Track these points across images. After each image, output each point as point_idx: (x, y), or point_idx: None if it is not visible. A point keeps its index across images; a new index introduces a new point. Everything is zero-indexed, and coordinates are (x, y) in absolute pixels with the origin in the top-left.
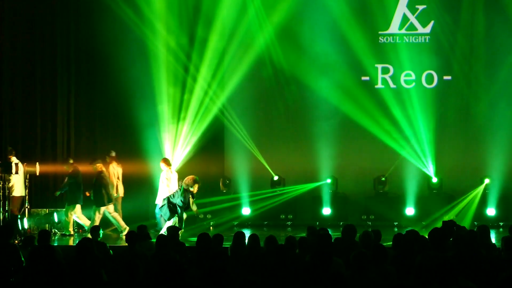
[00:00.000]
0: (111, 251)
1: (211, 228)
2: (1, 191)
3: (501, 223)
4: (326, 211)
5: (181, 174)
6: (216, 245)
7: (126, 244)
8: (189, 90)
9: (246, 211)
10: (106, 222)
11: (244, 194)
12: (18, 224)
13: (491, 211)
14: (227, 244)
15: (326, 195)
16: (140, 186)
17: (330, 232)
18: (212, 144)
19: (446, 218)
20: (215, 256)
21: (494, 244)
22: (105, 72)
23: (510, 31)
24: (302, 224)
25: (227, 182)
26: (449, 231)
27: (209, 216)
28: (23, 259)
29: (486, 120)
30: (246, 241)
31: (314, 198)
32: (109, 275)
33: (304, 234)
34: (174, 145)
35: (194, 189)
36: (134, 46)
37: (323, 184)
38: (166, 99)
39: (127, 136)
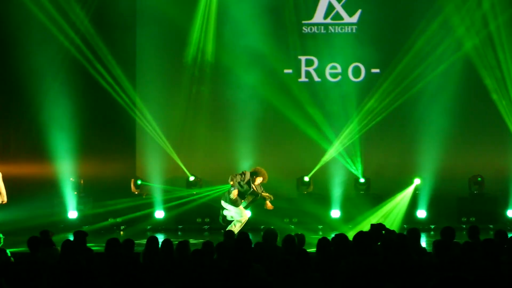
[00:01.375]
0: (12, 257)
1: (121, 232)
2: None
3: (432, 226)
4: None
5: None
6: (126, 251)
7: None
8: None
9: (159, 214)
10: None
11: (158, 196)
12: None
13: (421, 213)
14: (138, 249)
15: None
16: (41, 188)
17: (250, 237)
18: (122, 142)
19: (374, 220)
20: (126, 263)
21: (424, 248)
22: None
23: (441, 22)
24: (220, 228)
25: (139, 183)
26: (377, 235)
27: (119, 219)
28: None
29: (417, 117)
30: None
31: None
32: (10, 284)
33: (222, 239)
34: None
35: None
36: (37, 34)
37: None
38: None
39: (30, 133)
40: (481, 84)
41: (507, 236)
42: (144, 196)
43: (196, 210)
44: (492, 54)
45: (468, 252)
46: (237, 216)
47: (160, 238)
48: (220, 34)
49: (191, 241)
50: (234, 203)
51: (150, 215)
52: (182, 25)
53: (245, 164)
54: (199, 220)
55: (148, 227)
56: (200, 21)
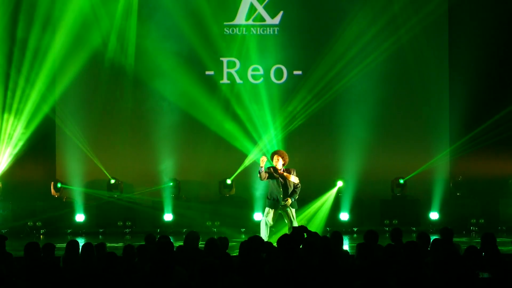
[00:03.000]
0: None
1: (41, 236)
2: None
3: (355, 229)
4: (168, 217)
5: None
6: (46, 256)
7: None
8: (13, 86)
9: (80, 217)
10: None
11: (78, 199)
12: None
13: (344, 216)
14: (59, 253)
15: (167, 200)
16: None
17: (172, 240)
18: (41, 144)
19: (297, 223)
20: (46, 268)
21: (347, 251)
22: None
23: (362, 24)
24: (142, 232)
25: (59, 186)
26: (300, 238)
27: (39, 223)
28: None
29: (340, 118)
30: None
31: (155, 203)
32: None
33: (143, 242)
34: None
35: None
36: None
37: (164, 187)
38: None
39: None
40: (402, 86)
41: (429, 238)
42: (64, 199)
43: (117, 213)
44: (413, 56)
45: (391, 255)
46: None
47: (81, 242)
48: (141, 35)
49: (108, 244)
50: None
51: (71, 218)
52: (103, 26)
53: (166, 167)
54: (120, 223)
55: (69, 230)
56: (118, 23)
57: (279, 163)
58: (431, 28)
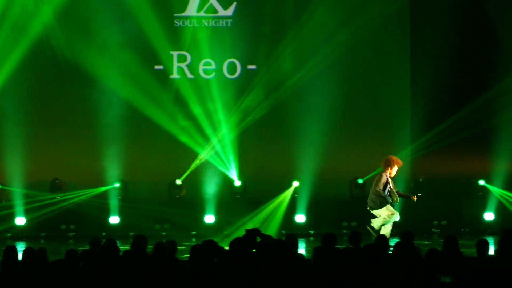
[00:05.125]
0: None
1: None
2: None
3: (311, 231)
4: (114, 219)
5: None
6: None
7: None
8: None
9: (20, 221)
10: None
11: (18, 201)
12: None
13: (300, 218)
14: None
15: (114, 202)
16: None
17: (118, 244)
18: None
19: (250, 226)
20: None
21: (303, 255)
22: None
23: (319, 16)
24: (87, 235)
25: None
26: (252, 241)
27: None
28: None
29: (296, 116)
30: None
31: (100, 205)
32: None
33: (88, 247)
34: None
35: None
36: None
37: (110, 189)
38: None
39: None
40: (362, 84)
41: (388, 241)
42: (3, 202)
43: (60, 216)
44: (373, 50)
45: (349, 259)
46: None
47: (22, 246)
48: (85, 27)
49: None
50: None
51: (10, 222)
52: (45, 16)
53: (113, 167)
54: (63, 227)
55: (8, 234)
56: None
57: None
58: (391, 21)
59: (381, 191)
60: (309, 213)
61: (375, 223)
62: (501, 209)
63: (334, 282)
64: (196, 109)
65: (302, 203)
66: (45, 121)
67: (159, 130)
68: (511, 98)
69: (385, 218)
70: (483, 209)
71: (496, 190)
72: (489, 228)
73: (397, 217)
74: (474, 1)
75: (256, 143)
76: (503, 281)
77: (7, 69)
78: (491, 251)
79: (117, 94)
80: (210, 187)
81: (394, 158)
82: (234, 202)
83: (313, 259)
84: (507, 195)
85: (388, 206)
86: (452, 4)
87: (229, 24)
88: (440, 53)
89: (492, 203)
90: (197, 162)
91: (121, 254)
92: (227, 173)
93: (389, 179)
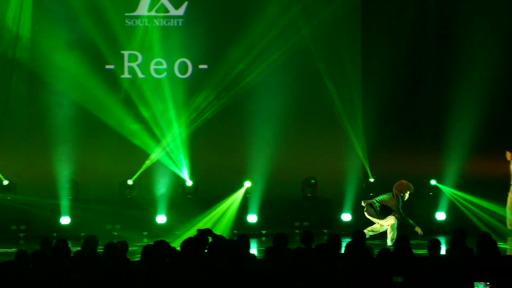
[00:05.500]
0: None
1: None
2: None
3: (263, 231)
4: (65, 220)
5: None
6: None
7: None
8: None
9: None
10: None
11: None
12: None
13: (252, 218)
14: None
15: (65, 202)
16: None
17: (69, 245)
18: None
19: (202, 225)
20: None
21: (254, 255)
22: None
23: (271, 16)
24: (38, 236)
25: None
26: (204, 241)
27: None
28: None
29: (248, 115)
30: None
31: (51, 206)
32: None
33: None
34: None
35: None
36: None
37: (61, 189)
38: None
39: None
40: (313, 84)
41: (340, 241)
42: None
43: (10, 216)
44: (324, 50)
45: (301, 259)
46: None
47: None
48: (35, 28)
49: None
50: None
51: None
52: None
53: (63, 168)
54: (13, 227)
55: None
56: (12, 13)
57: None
58: (343, 22)
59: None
60: (261, 213)
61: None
62: (452, 209)
63: (286, 282)
64: (148, 109)
65: (254, 203)
66: (6, 120)
67: (111, 130)
68: (461, 99)
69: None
70: (434, 208)
71: (447, 190)
72: (441, 227)
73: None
74: (425, 4)
75: (208, 143)
76: (455, 280)
77: None
78: (443, 250)
79: (67, 94)
80: (162, 187)
81: (406, 182)
82: (185, 202)
83: (265, 259)
84: (458, 195)
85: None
86: (403, 7)
87: (180, 24)
88: (392, 53)
89: (443, 203)
90: (148, 162)
91: (72, 254)
92: (179, 173)
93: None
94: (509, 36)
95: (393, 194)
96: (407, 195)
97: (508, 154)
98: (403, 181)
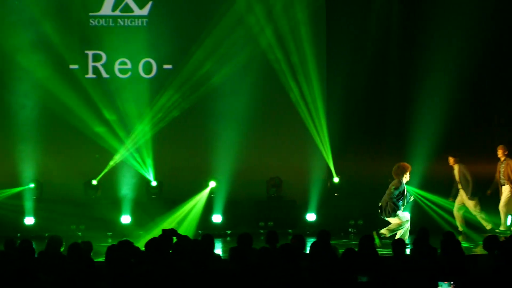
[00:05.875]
0: None
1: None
2: None
3: (228, 231)
4: (29, 220)
5: None
6: None
7: None
8: None
9: None
10: None
11: None
12: None
13: (217, 218)
14: None
15: (29, 202)
16: None
17: (34, 245)
18: None
19: (167, 226)
20: None
21: (219, 255)
22: None
23: (236, 16)
24: (1, 236)
25: None
26: (169, 241)
27: None
28: None
29: (212, 115)
30: None
31: (16, 206)
32: None
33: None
34: None
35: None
36: None
37: (25, 189)
38: None
39: None
40: (278, 84)
41: (304, 240)
42: None
43: None
44: (288, 52)
45: (266, 259)
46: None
47: None
48: (0, 26)
49: None
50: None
51: None
52: None
53: (27, 168)
54: None
55: None
56: None
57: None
58: (307, 23)
59: (394, 197)
60: (226, 213)
61: (386, 230)
62: (416, 209)
63: (250, 282)
64: (112, 109)
65: (219, 203)
66: None
67: (75, 130)
68: (426, 100)
69: (396, 226)
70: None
71: (411, 190)
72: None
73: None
74: (389, 5)
75: (173, 143)
76: (419, 280)
77: None
78: (407, 250)
79: (31, 95)
80: (126, 188)
81: (405, 164)
82: (150, 202)
83: (230, 260)
84: (422, 195)
85: (399, 215)
86: (368, 8)
87: (144, 24)
88: (357, 54)
89: (408, 203)
90: (112, 162)
91: (36, 255)
92: (144, 173)
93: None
94: (475, 35)
95: (398, 180)
96: (408, 176)
97: (450, 159)
98: (402, 163)
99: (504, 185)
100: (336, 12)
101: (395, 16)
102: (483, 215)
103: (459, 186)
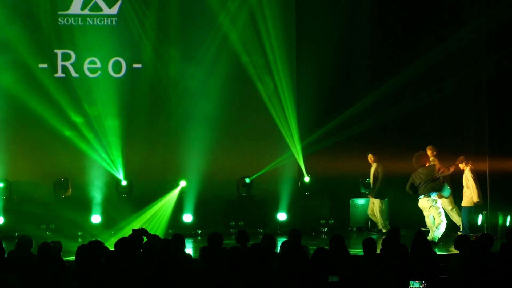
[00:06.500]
0: None
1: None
2: None
3: (199, 231)
4: None
5: None
6: None
7: None
8: None
9: None
10: None
11: None
12: None
13: (188, 217)
14: None
15: None
16: None
17: (4, 245)
18: None
19: (137, 225)
20: None
21: (190, 255)
22: None
23: (206, 14)
24: None
25: None
26: (139, 241)
27: None
28: None
29: (182, 114)
30: None
31: None
32: None
33: None
34: None
35: None
36: None
37: None
38: None
39: None
40: (248, 84)
41: (275, 240)
42: None
43: None
44: (259, 50)
45: (235, 258)
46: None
47: None
48: None
49: None
50: None
51: None
52: None
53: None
54: None
55: None
56: None
57: None
58: (277, 22)
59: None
60: (196, 213)
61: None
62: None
63: (220, 281)
64: (82, 108)
65: (190, 203)
66: None
67: (45, 129)
68: (397, 97)
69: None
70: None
71: None
72: (376, 227)
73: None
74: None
75: (143, 142)
76: (389, 279)
77: None
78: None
79: (1, 94)
80: (96, 187)
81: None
82: (120, 201)
83: (200, 259)
84: None
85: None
86: (337, 4)
87: (114, 23)
88: (326, 51)
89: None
90: (83, 161)
91: (6, 255)
92: (113, 172)
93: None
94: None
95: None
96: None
97: (370, 157)
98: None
99: None
100: (306, 7)
101: (364, 12)
102: (384, 216)
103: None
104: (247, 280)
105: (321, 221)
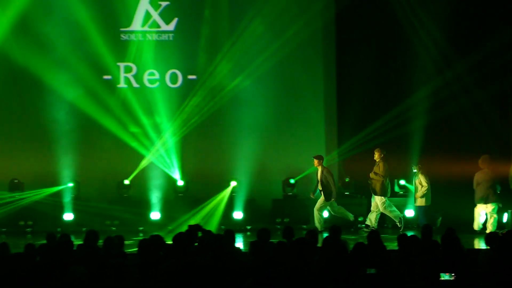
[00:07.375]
0: None
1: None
2: None
3: (248, 227)
4: (68, 216)
5: None
6: None
7: None
8: None
9: None
10: None
11: None
12: None
13: (238, 215)
14: None
15: (68, 200)
16: None
17: (72, 239)
18: None
19: (192, 221)
20: None
21: (240, 248)
22: None
23: (253, 31)
24: (43, 231)
25: None
26: (194, 235)
27: None
28: None
29: (234, 121)
30: None
31: (56, 203)
32: None
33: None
34: None
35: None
36: None
37: (64, 188)
38: None
39: None
40: (293, 91)
41: (317, 235)
42: None
43: (18, 212)
44: (302, 60)
45: (281, 252)
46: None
47: None
48: (38, 40)
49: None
50: None
51: None
52: None
53: (66, 169)
54: (21, 223)
55: None
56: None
57: None
58: (318, 31)
59: None
60: (245, 210)
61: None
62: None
63: (268, 274)
64: (142, 115)
65: (240, 201)
66: (4, 126)
67: (109, 134)
68: (422, 107)
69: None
70: (404, 206)
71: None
72: (410, 223)
73: None
74: (393, 17)
75: (197, 146)
76: (422, 271)
77: None
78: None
79: (68, 101)
80: (156, 187)
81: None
82: (177, 200)
83: (249, 253)
84: None
85: None
86: (375, 20)
87: (171, 38)
88: (365, 63)
89: (411, 201)
90: (143, 164)
91: (75, 248)
92: (171, 174)
93: None
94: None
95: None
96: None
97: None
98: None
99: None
100: (346, 22)
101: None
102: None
103: (319, 187)
104: (290, 271)
105: (359, 218)
